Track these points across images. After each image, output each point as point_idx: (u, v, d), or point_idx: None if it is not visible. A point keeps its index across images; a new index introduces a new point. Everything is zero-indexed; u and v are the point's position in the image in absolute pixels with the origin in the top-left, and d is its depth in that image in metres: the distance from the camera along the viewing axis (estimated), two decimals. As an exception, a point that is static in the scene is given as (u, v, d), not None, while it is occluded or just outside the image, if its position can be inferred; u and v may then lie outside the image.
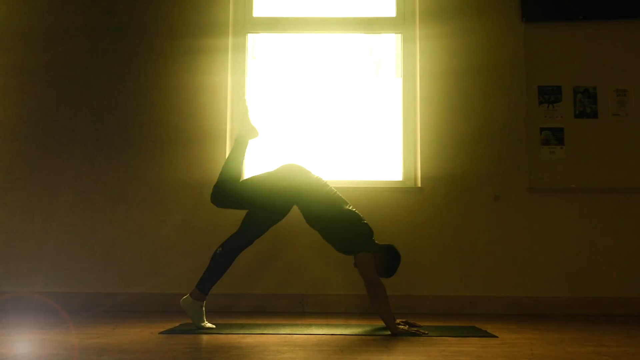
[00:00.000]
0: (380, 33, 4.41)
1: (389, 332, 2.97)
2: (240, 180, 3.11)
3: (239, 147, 3.13)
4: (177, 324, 3.26)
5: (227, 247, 3.08)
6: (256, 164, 4.25)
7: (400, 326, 2.97)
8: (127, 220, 4.09)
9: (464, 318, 3.72)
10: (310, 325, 3.31)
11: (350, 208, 3.12)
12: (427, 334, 2.92)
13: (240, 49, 4.31)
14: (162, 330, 3.05)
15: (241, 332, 2.99)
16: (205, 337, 2.84)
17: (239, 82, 4.28)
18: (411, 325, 3.08)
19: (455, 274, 4.04)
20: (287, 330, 3.05)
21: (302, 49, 4.41)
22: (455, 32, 4.21)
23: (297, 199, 3.09)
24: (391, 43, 4.41)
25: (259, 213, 3.09)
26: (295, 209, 3.16)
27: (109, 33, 4.24)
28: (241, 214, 3.21)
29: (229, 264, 3.09)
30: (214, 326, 3.10)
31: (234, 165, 3.09)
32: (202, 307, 3.07)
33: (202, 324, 3.06)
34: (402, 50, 4.31)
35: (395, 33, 4.37)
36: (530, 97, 4.22)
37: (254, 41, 4.42)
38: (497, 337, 2.92)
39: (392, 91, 4.33)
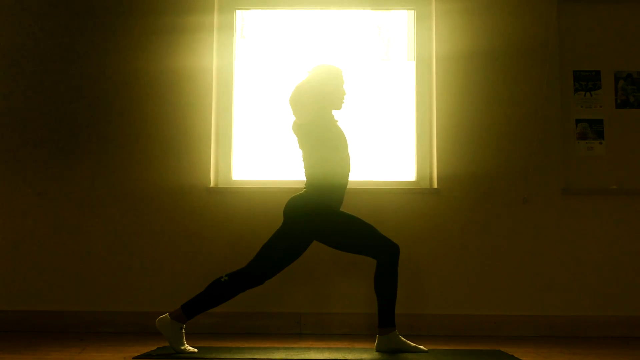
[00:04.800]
0: (389, 9, 4.40)
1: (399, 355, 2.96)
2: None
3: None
4: (153, 347, 3.25)
5: (234, 280, 3.08)
6: (248, 163, 4.24)
7: None
8: (96, 228, 4.08)
9: (487, 341, 3.71)
10: (308, 349, 3.30)
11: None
12: None
13: (228, 27, 4.30)
14: (136, 354, 3.03)
15: (228, 356, 2.98)
16: (186, 363, 2.82)
17: (226, 66, 4.26)
18: None
19: (477, 289, 4.02)
20: (282, 355, 3.04)
21: (299, 28, 4.40)
22: (477, 8, 4.19)
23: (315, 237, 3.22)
24: (402, 21, 4.40)
25: (281, 250, 3.13)
26: None
27: (72, 11, 4.22)
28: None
29: (230, 298, 3.12)
30: (195, 350, 3.09)
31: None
32: (182, 328, 3.07)
33: (182, 348, 3.05)
34: (416, 30, 4.29)
35: (408, 9, 4.35)
36: (564, 83, 4.20)
37: (243, 18, 4.41)
38: (526, 363, 2.91)
39: (403, 77, 4.31)
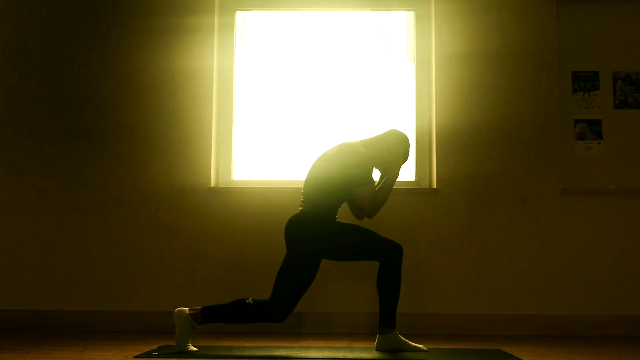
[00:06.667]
0: (389, 10, 4.40)
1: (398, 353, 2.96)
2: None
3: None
4: (154, 346, 3.24)
5: (257, 308, 3.06)
6: (248, 163, 4.24)
7: None
8: (98, 228, 4.07)
9: (487, 340, 3.71)
10: (308, 347, 3.30)
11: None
12: None
13: (228, 28, 4.30)
14: (137, 353, 3.03)
15: (229, 354, 2.98)
16: (187, 362, 2.82)
17: (227, 66, 4.26)
18: None
19: (476, 288, 4.02)
20: (283, 353, 3.04)
21: (299, 29, 4.40)
22: (476, 9, 4.19)
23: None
24: (402, 22, 4.40)
25: (295, 279, 3.09)
26: None
27: (75, 12, 4.22)
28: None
29: (248, 322, 3.11)
30: (196, 349, 3.10)
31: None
32: (193, 327, 3.09)
33: (185, 345, 3.06)
34: (415, 30, 4.30)
35: (407, 10, 4.36)
36: (563, 84, 4.21)
37: (244, 19, 4.41)
38: (525, 361, 2.91)
39: (403, 77, 4.31)
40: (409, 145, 3.32)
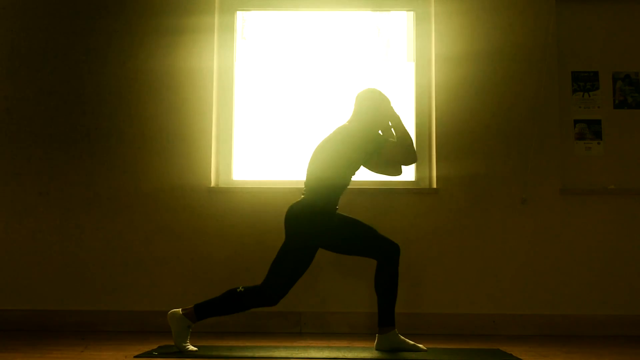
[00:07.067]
0: (389, 10, 4.39)
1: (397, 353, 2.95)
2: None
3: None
4: (154, 346, 3.24)
5: (249, 295, 3.08)
6: (248, 163, 4.24)
7: None
8: (98, 228, 4.07)
9: (486, 340, 3.71)
10: (308, 347, 3.30)
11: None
12: None
13: (228, 28, 4.30)
14: (137, 353, 3.04)
15: (229, 354, 2.98)
16: (187, 362, 2.82)
17: (227, 66, 4.26)
18: None
19: (476, 288, 4.02)
20: (283, 354, 3.04)
21: (300, 29, 4.39)
22: (476, 9, 4.19)
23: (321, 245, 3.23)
24: (402, 22, 4.39)
25: (290, 267, 3.12)
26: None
27: (75, 13, 4.22)
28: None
29: (242, 310, 3.13)
30: (196, 349, 3.10)
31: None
32: (189, 327, 3.09)
33: (184, 345, 3.07)
34: (415, 31, 4.30)
35: (407, 10, 4.35)
36: (562, 84, 4.21)
37: (244, 19, 4.40)
38: (525, 361, 2.90)
39: (402, 77, 4.31)
40: (378, 89, 3.34)
